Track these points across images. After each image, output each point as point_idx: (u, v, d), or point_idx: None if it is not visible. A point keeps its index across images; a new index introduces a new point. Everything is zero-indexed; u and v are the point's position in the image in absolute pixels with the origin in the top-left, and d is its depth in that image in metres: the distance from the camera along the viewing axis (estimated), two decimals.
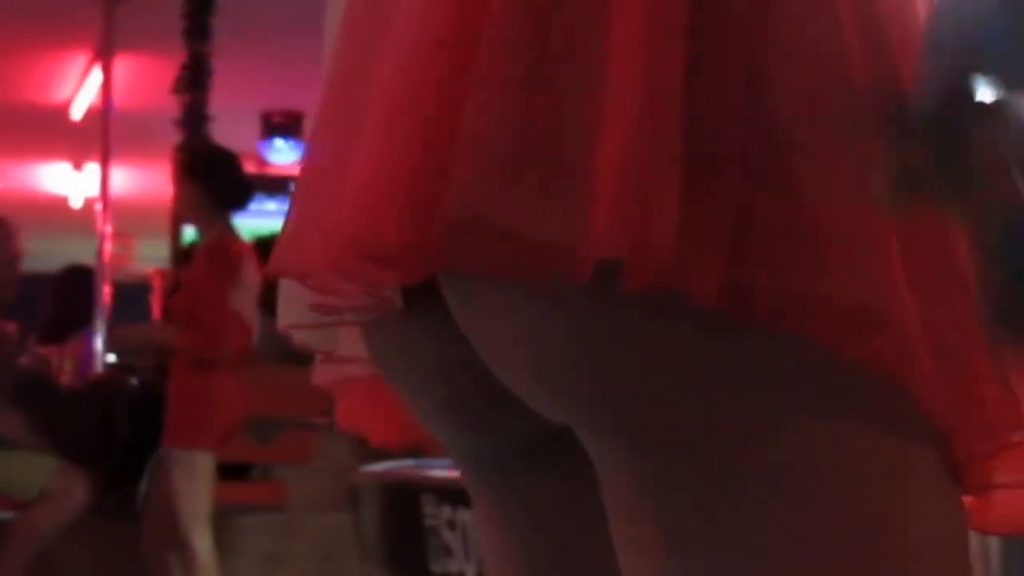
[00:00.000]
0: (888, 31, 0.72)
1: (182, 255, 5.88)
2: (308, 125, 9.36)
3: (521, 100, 0.66)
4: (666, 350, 0.68)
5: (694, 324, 0.67)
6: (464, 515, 3.03)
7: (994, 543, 1.87)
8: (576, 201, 0.64)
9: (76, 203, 10.94)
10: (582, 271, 0.64)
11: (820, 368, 0.69)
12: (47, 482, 4.79)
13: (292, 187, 0.87)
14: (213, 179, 4.55)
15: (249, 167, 9.91)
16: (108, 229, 7.02)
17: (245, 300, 4.51)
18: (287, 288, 0.90)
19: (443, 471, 3.41)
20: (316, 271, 0.76)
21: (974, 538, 0.78)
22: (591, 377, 0.70)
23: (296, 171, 0.84)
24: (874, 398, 0.70)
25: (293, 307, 0.88)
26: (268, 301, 4.90)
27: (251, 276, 4.51)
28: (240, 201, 4.65)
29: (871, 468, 0.70)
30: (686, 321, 0.67)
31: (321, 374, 1.01)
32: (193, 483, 4.44)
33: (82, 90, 8.81)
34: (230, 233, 4.59)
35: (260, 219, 9.53)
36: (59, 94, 9.02)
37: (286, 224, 0.78)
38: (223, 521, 5.02)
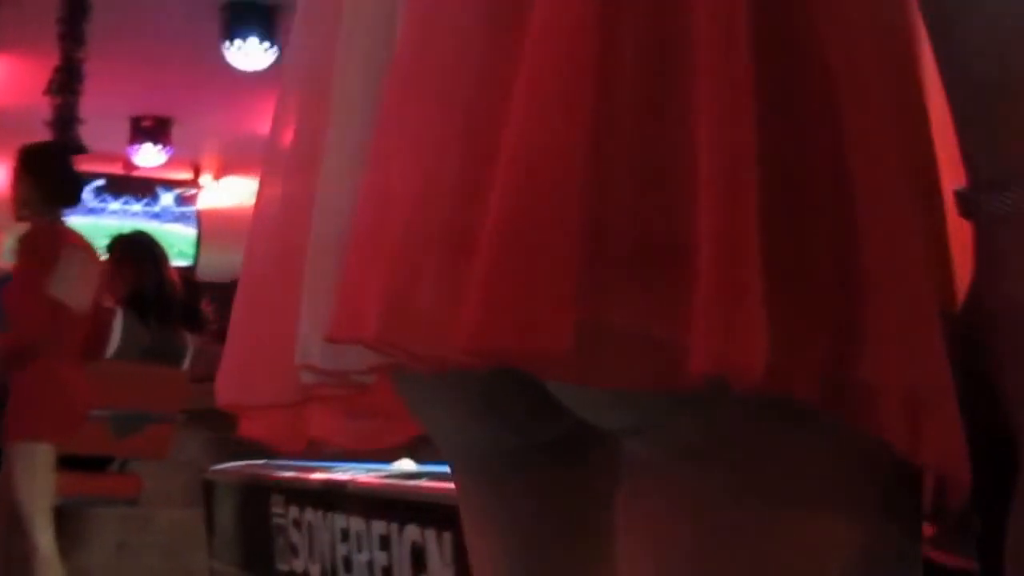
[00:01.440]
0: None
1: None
2: (176, 130, 9.50)
3: (633, 204, 0.66)
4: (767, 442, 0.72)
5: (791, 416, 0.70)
6: (310, 515, 3.05)
7: None
8: (681, 320, 0.64)
9: None
10: (694, 384, 0.64)
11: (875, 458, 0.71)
12: None
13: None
14: (44, 175, 4.54)
15: (117, 169, 9.99)
16: None
17: (73, 290, 4.44)
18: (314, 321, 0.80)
19: (293, 472, 3.40)
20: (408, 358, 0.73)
21: None
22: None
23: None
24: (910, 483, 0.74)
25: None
26: (134, 302, 4.93)
27: (78, 267, 4.48)
28: (71, 197, 4.64)
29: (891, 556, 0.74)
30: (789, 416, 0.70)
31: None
32: (33, 477, 4.38)
33: None
34: (57, 226, 4.55)
35: (125, 219, 9.70)
36: None
37: (343, 288, 0.72)
38: (79, 511, 5.04)
